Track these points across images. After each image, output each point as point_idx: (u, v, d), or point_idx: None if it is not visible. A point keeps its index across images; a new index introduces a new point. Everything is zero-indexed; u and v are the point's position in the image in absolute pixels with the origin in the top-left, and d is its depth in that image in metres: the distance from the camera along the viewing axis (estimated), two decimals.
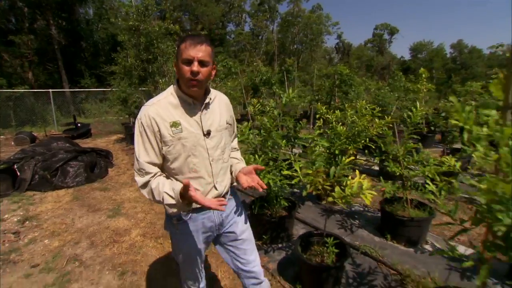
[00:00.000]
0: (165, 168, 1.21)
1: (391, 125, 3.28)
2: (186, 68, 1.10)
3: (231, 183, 1.39)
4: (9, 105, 12.15)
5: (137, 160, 1.15)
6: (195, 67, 1.09)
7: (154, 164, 1.16)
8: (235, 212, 1.40)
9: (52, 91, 11.86)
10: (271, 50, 27.29)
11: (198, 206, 1.16)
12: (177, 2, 21.56)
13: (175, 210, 1.10)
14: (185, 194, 1.04)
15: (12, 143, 8.54)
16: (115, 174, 5.27)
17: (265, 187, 1.22)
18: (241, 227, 1.40)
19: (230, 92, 7.48)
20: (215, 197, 1.24)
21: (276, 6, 27.50)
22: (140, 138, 1.15)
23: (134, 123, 9.27)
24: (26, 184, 4.36)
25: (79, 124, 10.32)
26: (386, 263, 2.45)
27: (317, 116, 3.24)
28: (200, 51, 1.09)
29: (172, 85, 1.24)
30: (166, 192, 1.09)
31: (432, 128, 6.79)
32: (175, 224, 1.26)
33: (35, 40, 18.92)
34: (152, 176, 1.15)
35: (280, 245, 2.70)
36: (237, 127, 1.57)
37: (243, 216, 1.44)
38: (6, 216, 3.46)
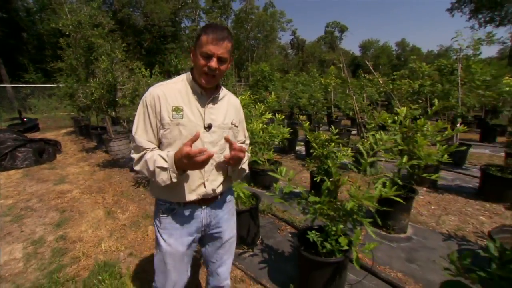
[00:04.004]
0: None
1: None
2: (203, 62, 1.08)
3: (228, 186, 1.34)
4: None
5: (135, 137, 1.14)
6: (214, 63, 1.07)
7: (151, 142, 1.14)
8: (225, 219, 1.35)
9: None
10: None
11: (183, 200, 1.18)
12: None
13: (164, 177, 1.07)
14: (180, 157, 1.01)
15: None
16: (62, 158, 6.13)
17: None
18: (228, 236, 1.38)
19: None
20: (202, 195, 1.20)
21: (229, 3, 28.59)
22: (141, 117, 1.14)
23: (83, 117, 9.81)
24: None
25: (25, 119, 10.54)
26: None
27: None
28: (222, 48, 1.07)
29: (186, 73, 1.22)
30: (160, 155, 1.07)
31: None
32: (161, 217, 1.23)
33: None
34: (150, 150, 1.13)
35: None
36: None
37: (232, 224, 1.41)
38: None
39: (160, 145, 1.17)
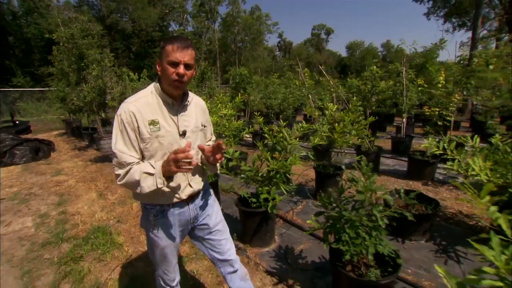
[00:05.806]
0: None
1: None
2: (172, 70, 1.16)
3: (205, 181, 1.48)
4: None
5: (117, 153, 1.17)
6: (182, 69, 1.16)
7: (133, 157, 1.19)
8: (208, 207, 1.49)
9: None
10: (213, 49, 29.12)
11: (172, 201, 1.30)
12: (113, 6, 22.08)
13: (149, 183, 1.14)
14: (167, 158, 1.12)
15: None
16: (57, 155, 6.76)
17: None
18: (214, 220, 1.50)
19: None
20: (190, 194, 1.35)
21: (216, 7, 29.37)
22: (120, 134, 1.18)
23: (74, 119, 10.36)
24: None
25: (17, 122, 11.02)
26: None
27: None
28: (187, 55, 1.16)
29: (153, 84, 1.29)
30: (149, 162, 1.18)
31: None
32: (152, 220, 1.33)
33: None
34: (135, 164, 1.18)
35: None
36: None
37: (216, 209, 1.54)
38: None
39: (142, 158, 1.24)
